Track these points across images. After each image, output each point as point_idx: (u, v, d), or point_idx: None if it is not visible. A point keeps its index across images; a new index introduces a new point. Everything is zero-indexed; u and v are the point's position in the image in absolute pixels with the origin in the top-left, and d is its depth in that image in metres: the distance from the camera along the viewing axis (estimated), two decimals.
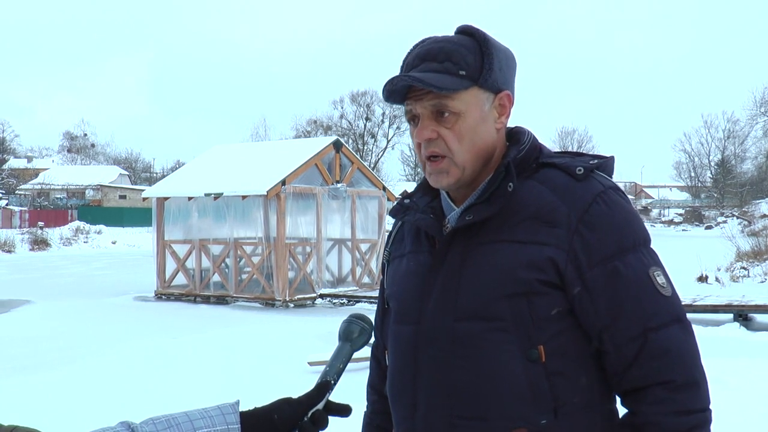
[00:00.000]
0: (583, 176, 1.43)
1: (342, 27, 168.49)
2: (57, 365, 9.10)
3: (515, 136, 1.53)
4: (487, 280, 1.40)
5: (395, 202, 1.64)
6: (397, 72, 1.50)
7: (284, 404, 1.25)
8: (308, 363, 8.14)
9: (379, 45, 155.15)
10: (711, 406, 1.38)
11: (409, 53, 1.48)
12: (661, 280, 1.40)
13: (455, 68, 1.42)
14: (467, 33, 1.47)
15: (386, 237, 1.73)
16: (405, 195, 1.63)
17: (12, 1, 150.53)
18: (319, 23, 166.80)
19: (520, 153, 1.48)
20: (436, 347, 1.43)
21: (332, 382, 1.30)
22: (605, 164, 1.49)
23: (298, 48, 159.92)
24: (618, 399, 1.46)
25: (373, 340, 1.72)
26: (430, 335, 1.44)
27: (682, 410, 1.33)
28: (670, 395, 1.34)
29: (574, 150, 1.60)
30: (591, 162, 1.47)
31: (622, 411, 1.45)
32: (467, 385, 1.40)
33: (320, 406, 1.27)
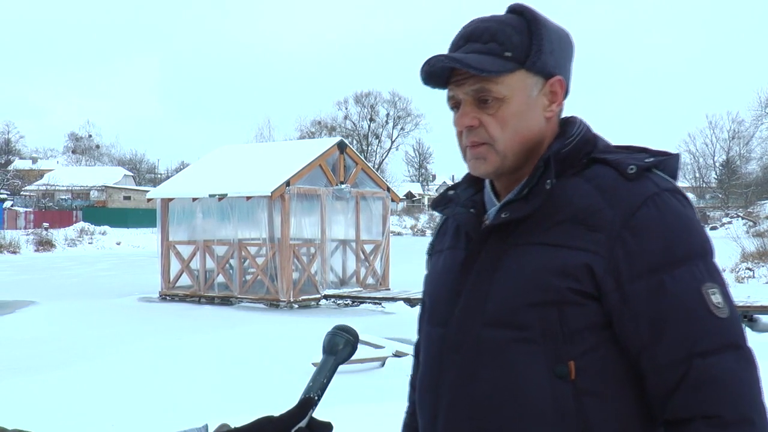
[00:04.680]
0: (635, 176, 1.28)
1: (346, 29, 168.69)
2: (61, 366, 9.11)
3: (564, 126, 1.39)
4: (516, 285, 1.29)
5: (439, 194, 1.53)
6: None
7: (266, 423, 1.19)
8: (312, 364, 8.12)
9: (383, 47, 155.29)
10: None
11: (456, 34, 1.37)
12: (716, 299, 1.22)
13: (500, 49, 1.30)
14: (517, 11, 1.35)
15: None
16: (450, 186, 1.52)
17: (21, 3, 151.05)
18: (322, 25, 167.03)
19: (566, 147, 1.34)
20: (460, 354, 1.33)
21: (316, 398, 1.24)
22: (666, 163, 1.33)
23: (302, 49, 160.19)
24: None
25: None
26: (455, 341, 1.34)
27: None
28: None
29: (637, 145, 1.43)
30: (647, 160, 1.31)
31: None
32: (489, 398, 1.29)
33: (303, 423, 1.21)
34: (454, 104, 1.37)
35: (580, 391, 1.25)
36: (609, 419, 1.25)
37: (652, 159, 1.32)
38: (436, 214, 1.59)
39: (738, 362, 1.21)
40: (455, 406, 1.34)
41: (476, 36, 1.33)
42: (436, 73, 1.34)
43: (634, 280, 1.23)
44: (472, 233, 1.40)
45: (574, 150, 1.35)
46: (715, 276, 1.26)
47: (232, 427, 1.19)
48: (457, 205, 1.46)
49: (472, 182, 1.48)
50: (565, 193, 1.31)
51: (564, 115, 1.43)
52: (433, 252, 1.56)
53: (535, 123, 1.35)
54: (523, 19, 1.34)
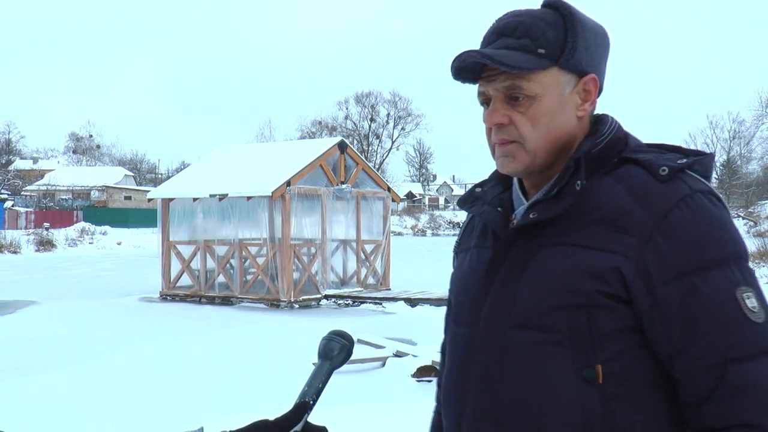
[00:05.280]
0: (668, 177, 1.25)
1: (347, 29, 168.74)
2: (62, 366, 9.11)
3: (595, 125, 1.36)
4: (544, 287, 1.26)
5: (466, 191, 1.52)
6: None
7: (260, 427, 1.19)
8: (312, 364, 8.10)
9: (383, 47, 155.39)
10: None
11: (488, 29, 1.34)
12: (751, 303, 1.19)
13: (533, 45, 1.27)
14: (552, 6, 1.32)
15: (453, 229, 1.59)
16: (477, 183, 1.50)
17: (23, 3, 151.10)
18: (323, 25, 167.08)
19: (597, 146, 1.31)
20: (486, 355, 1.31)
21: (311, 402, 1.24)
22: (699, 163, 1.29)
23: (303, 49, 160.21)
24: None
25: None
26: (482, 341, 1.32)
27: None
28: None
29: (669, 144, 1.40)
30: (679, 161, 1.27)
31: None
32: (514, 401, 1.27)
33: (298, 428, 1.21)
34: (485, 100, 1.34)
35: (607, 396, 1.22)
36: (637, 425, 1.22)
37: (685, 160, 1.28)
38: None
39: None
40: (480, 408, 1.31)
41: (509, 31, 1.30)
42: (467, 68, 1.31)
43: (665, 283, 1.20)
44: (500, 233, 1.37)
45: (606, 149, 1.32)
46: (749, 279, 1.22)
47: (229, 431, 1.20)
48: (485, 203, 1.43)
49: (499, 180, 1.46)
50: (595, 194, 1.28)
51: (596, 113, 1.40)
52: (459, 250, 1.53)
53: (566, 122, 1.32)
54: (559, 15, 1.31)
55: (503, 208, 1.40)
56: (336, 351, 1.31)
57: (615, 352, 1.22)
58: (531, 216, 1.30)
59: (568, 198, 1.27)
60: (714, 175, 1.37)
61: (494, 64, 1.26)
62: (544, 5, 1.34)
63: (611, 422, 1.21)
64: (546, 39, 1.28)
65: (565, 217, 1.28)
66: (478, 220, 1.48)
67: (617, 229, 1.23)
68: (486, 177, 1.51)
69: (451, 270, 1.56)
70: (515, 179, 1.41)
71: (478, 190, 1.47)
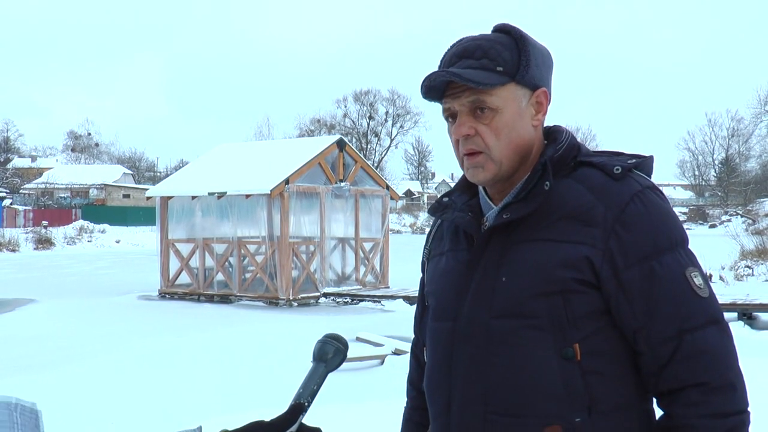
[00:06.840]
0: (621, 176, 1.43)
1: (345, 27, 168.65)
2: (61, 364, 9.11)
3: (553, 134, 1.54)
4: (523, 278, 1.41)
5: (435, 201, 1.65)
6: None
7: (256, 428, 1.20)
8: (311, 362, 8.13)
9: (382, 45, 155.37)
10: (749, 408, 1.37)
11: (446, 52, 1.50)
12: (698, 281, 1.39)
13: (492, 64, 1.43)
14: (504, 31, 1.48)
15: (425, 235, 1.73)
16: (444, 193, 1.65)
17: (25, 3, 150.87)
18: (322, 24, 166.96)
19: (558, 152, 1.48)
20: (471, 344, 1.45)
21: (306, 404, 1.26)
22: (644, 163, 1.50)
23: (302, 48, 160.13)
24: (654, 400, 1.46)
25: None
26: (466, 332, 1.46)
27: (717, 413, 1.33)
28: (705, 398, 1.34)
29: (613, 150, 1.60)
30: (629, 161, 1.47)
31: (659, 413, 1.44)
32: (502, 382, 1.41)
33: (293, 429, 1.22)
34: (450, 115, 1.49)
35: (585, 371, 1.38)
36: (610, 395, 1.39)
37: (633, 161, 1.48)
38: None
39: (720, 335, 1.38)
40: (469, 391, 1.44)
41: (469, 53, 1.45)
42: (436, 87, 1.46)
43: (628, 268, 1.38)
44: (474, 234, 1.51)
45: (564, 155, 1.49)
46: (694, 261, 1.43)
47: (225, 431, 1.20)
48: (456, 210, 1.57)
49: (465, 189, 1.61)
50: (559, 194, 1.44)
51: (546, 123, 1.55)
52: (431, 256, 1.66)
53: (525, 131, 1.48)
54: (511, 38, 1.47)
55: (473, 213, 1.54)
56: (331, 354, 1.33)
57: (589, 332, 1.39)
58: (504, 216, 1.45)
59: (538, 198, 1.43)
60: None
61: (462, 81, 1.41)
62: (495, 30, 1.50)
63: (590, 394, 1.37)
64: (503, 58, 1.44)
65: (534, 216, 1.44)
66: (447, 226, 1.63)
67: (583, 223, 1.40)
68: (451, 188, 1.67)
69: (420, 275, 1.71)
70: (480, 187, 1.57)
71: (446, 199, 1.62)
